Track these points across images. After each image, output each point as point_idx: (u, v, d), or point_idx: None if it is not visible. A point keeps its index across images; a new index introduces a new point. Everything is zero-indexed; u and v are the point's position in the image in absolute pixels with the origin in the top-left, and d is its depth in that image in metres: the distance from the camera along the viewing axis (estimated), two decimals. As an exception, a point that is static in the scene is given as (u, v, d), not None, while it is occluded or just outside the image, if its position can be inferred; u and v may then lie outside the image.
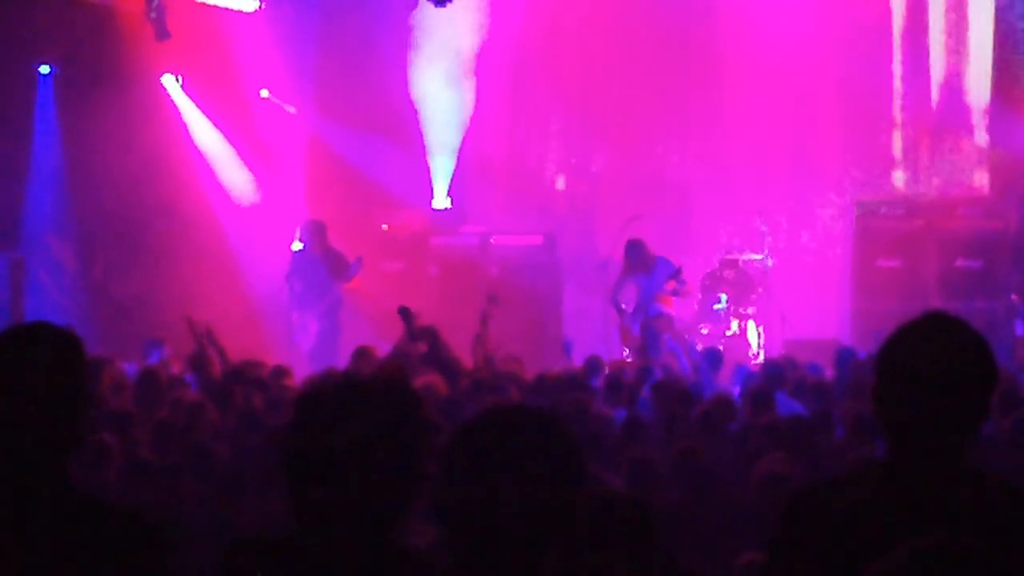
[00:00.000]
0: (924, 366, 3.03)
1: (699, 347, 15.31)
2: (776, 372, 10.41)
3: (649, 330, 14.76)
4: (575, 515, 2.53)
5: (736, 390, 11.07)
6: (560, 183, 19.36)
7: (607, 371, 11.68)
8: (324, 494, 2.79)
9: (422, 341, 11.49)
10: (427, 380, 9.79)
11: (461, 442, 2.61)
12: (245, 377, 10.14)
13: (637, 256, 14.95)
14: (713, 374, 11.90)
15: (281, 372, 11.02)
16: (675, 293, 14.73)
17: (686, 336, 15.51)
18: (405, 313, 11.61)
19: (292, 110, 18.27)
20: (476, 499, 2.54)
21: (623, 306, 15.09)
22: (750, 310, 16.32)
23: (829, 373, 11.42)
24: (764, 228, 16.47)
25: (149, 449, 8.11)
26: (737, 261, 16.52)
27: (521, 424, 2.61)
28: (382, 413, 2.81)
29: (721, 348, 13.91)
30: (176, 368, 11.86)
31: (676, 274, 14.58)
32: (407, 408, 2.85)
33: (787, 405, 9.56)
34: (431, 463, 2.80)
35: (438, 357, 11.12)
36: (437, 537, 2.74)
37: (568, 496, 2.54)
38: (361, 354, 11.27)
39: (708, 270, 16.59)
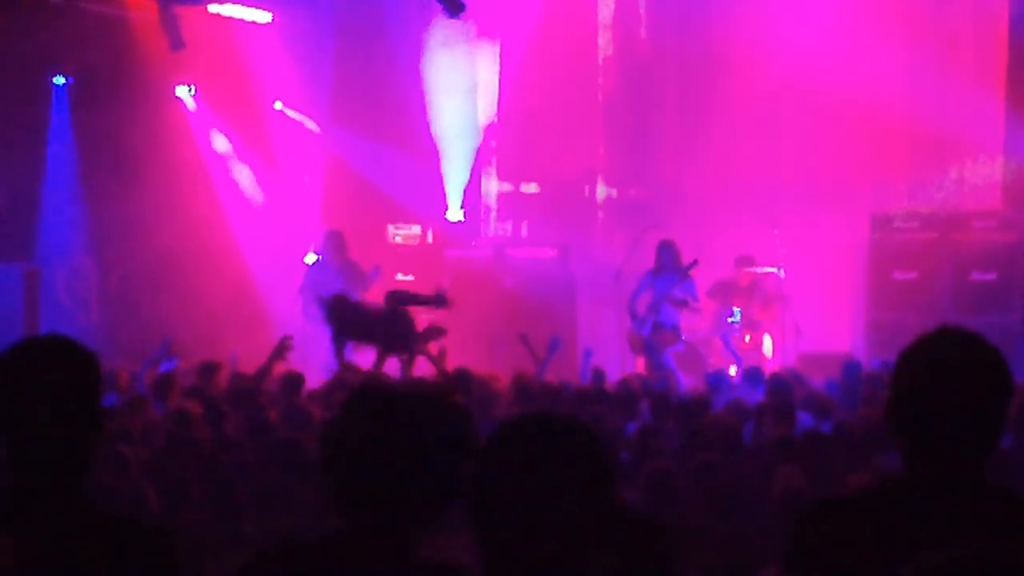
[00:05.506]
0: (942, 379, 2.99)
1: (711, 361, 15.26)
2: (783, 386, 10.31)
3: (651, 345, 14.62)
4: (604, 529, 2.51)
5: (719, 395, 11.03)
6: (581, 194, 19.31)
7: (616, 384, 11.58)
8: (360, 493, 2.82)
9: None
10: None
11: (499, 442, 2.58)
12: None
13: (668, 256, 14.76)
14: (753, 390, 11.70)
15: (296, 381, 11.01)
16: (682, 304, 14.56)
17: (700, 350, 15.42)
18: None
19: (313, 126, 18.27)
20: (512, 497, 2.51)
21: (638, 311, 14.87)
22: (764, 323, 16.26)
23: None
24: (778, 241, 16.40)
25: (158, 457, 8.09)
26: (752, 273, 16.43)
27: (559, 429, 2.59)
28: (431, 425, 2.84)
29: (759, 365, 13.69)
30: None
31: (688, 269, 14.45)
32: (455, 425, 2.86)
33: (800, 419, 9.48)
34: (464, 481, 2.82)
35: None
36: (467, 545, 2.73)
37: (601, 506, 2.51)
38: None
39: (722, 282, 16.50)
